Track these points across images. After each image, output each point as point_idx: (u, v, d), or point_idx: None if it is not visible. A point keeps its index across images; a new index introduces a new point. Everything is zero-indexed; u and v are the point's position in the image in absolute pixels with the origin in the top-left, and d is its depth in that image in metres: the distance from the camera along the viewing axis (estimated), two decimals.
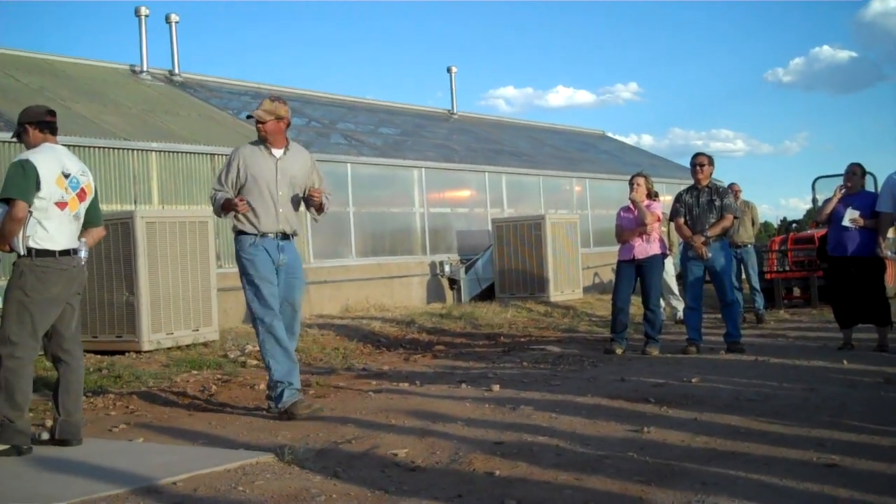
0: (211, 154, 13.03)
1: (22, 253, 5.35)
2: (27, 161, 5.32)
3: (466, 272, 16.01)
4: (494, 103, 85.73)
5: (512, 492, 4.18)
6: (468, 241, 16.87)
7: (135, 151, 12.19)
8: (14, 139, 5.69)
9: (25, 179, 5.26)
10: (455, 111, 22.41)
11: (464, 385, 7.40)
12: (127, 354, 10.00)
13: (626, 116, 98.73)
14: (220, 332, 11.03)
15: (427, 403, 6.59)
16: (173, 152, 12.60)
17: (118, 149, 12.03)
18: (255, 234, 6.39)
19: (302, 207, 6.76)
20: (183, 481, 4.48)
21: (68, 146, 11.10)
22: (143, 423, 6.31)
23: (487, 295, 15.81)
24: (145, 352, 10.08)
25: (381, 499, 4.16)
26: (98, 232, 5.82)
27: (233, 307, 12.84)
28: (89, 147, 11.70)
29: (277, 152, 6.48)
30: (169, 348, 10.29)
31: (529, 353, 9.45)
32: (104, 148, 11.87)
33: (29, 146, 5.52)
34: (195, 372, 8.93)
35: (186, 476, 4.54)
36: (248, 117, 6.57)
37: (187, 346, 10.45)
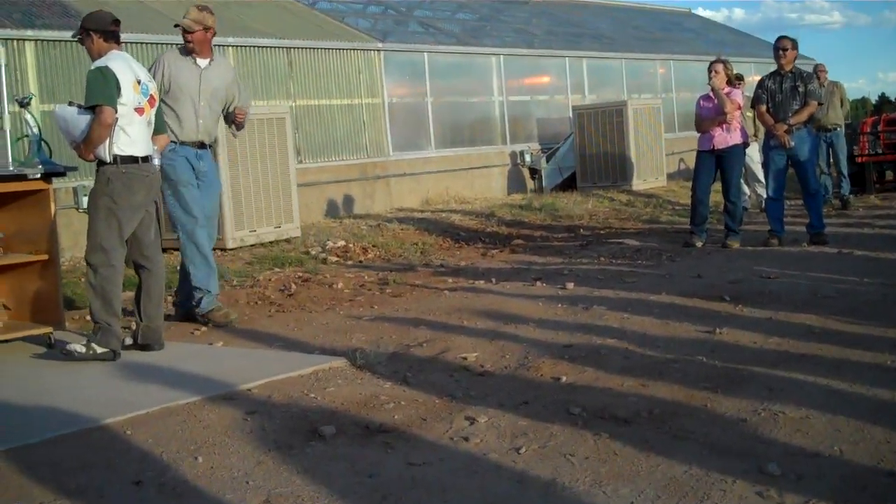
0: (287, 48, 13.02)
1: (108, 160, 5.41)
2: (106, 68, 5.35)
3: (548, 161, 15.88)
4: None
5: (577, 398, 4.22)
6: (549, 130, 16.68)
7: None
8: (76, 39, 5.67)
9: (108, 86, 5.30)
10: None
11: (539, 283, 7.41)
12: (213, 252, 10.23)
13: None
14: (302, 228, 11.21)
15: (500, 303, 6.64)
16: (250, 47, 12.61)
17: None
18: (175, 143, 6.42)
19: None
20: (258, 387, 4.62)
21: (144, 43, 11.24)
22: (223, 326, 6.48)
23: (569, 184, 15.69)
24: (230, 249, 10.31)
25: (447, 406, 4.23)
26: (164, 139, 5.92)
27: (314, 201, 13.02)
28: (165, 44, 11.74)
29: (202, 62, 6.53)
30: (252, 245, 10.50)
31: (607, 248, 9.40)
32: (180, 44, 11.91)
33: (92, 53, 5.53)
34: (277, 270, 9.12)
35: (261, 382, 4.67)
36: (176, 26, 6.57)
37: (270, 242, 10.66)
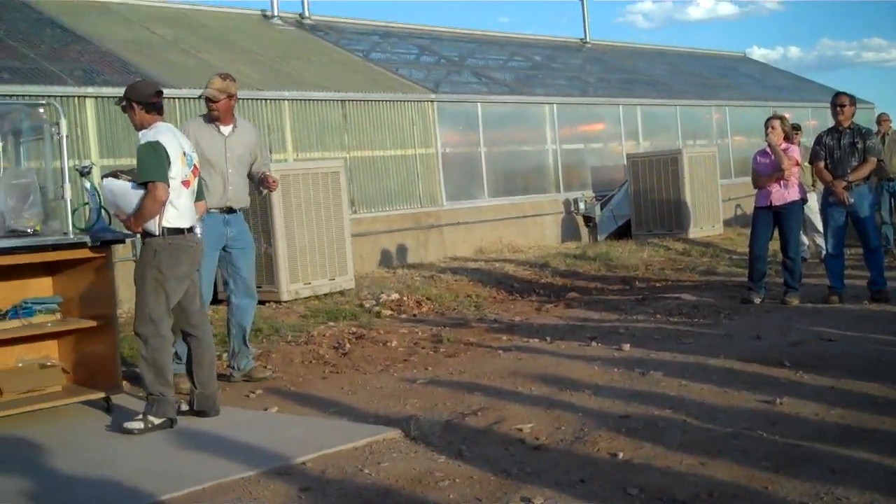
0: (341, 101, 13.15)
1: (156, 233, 5.45)
2: (157, 143, 5.37)
3: (602, 209, 15.81)
4: (633, 20, 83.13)
5: (634, 478, 4.14)
6: (603, 177, 16.64)
7: (268, 101, 12.40)
8: (119, 106, 5.65)
9: (161, 161, 5.34)
10: (588, 39, 21.91)
11: (594, 343, 7.34)
12: (267, 304, 10.32)
13: (771, 28, 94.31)
14: (356, 279, 11.25)
15: (555, 365, 6.57)
16: (305, 100, 12.76)
17: (252, 99, 12.25)
18: None
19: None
20: (312, 461, 4.61)
21: (201, 98, 11.40)
22: (278, 388, 6.50)
23: (624, 232, 15.60)
24: (284, 302, 10.38)
25: (502, 484, 4.18)
26: (202, 206, 5.93)
27: (368, 251, 13.07)
28: None
29: (226, 130, 6.65)
30: (307, 298, 10.56)
31: (663, 303, 9.27)
32: (238, 99, 12.08)
33: (135, 123, 5.55)
34: (331, 324, 9.15)
35: (315, 455, 4.66)
36: (200, 97, 6.67)
37: (325, 295, 10.71)
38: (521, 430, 5.01)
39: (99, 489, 4.34)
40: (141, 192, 5.35)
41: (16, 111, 5.58)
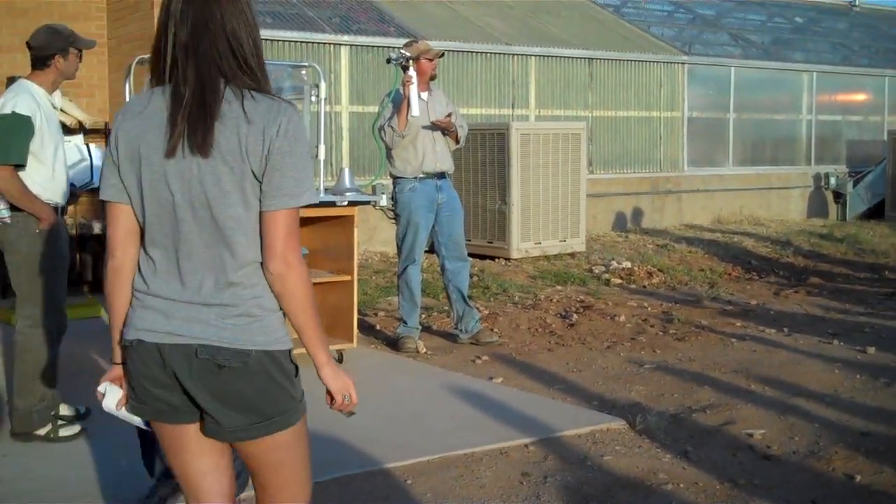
0: (589, 59, 12.96)
1: None
2: None
3: (854, 186, 14.92)
4: None
5: None
6: (859, 152, 15.69)
7: (515, 56, 12.39)
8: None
9: None
10: (856, 2, 20.52)
11: (835, 341, 6.95)
12: (496, 261, 10.42)
13: None
14: (587, 241, 11.18)
15: (792, 364, 6.27)
16: (552, 57, 12.66)
17: (499, 54, 12.27)
18: (415, 178, 6.54)
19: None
20: (535, 444, 4.62)
21: (451, 51, 11.53)
22: (503, 355, 6.54)
23: (876, 213, 14.69)
24: (513, 259, 10.45)
25: (728, 494, 4.05)
26: None
27: (601, 213, 12.95)
28: (471, 52, 12.03)
29: (424, 95, 6.57)
30: (536, 257, 10.59)
31: None
32: (486, 53, 12.16)
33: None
34: (559, 288, 9.14)
35: (539, 438, 4.66)
36: (416, 56, 6.49)
37: (554, 256, 10.70)
38: (751, 435, 4.82)
39: (330, 451, 4.49)
40: None
41: (280, 70, 5.80)
